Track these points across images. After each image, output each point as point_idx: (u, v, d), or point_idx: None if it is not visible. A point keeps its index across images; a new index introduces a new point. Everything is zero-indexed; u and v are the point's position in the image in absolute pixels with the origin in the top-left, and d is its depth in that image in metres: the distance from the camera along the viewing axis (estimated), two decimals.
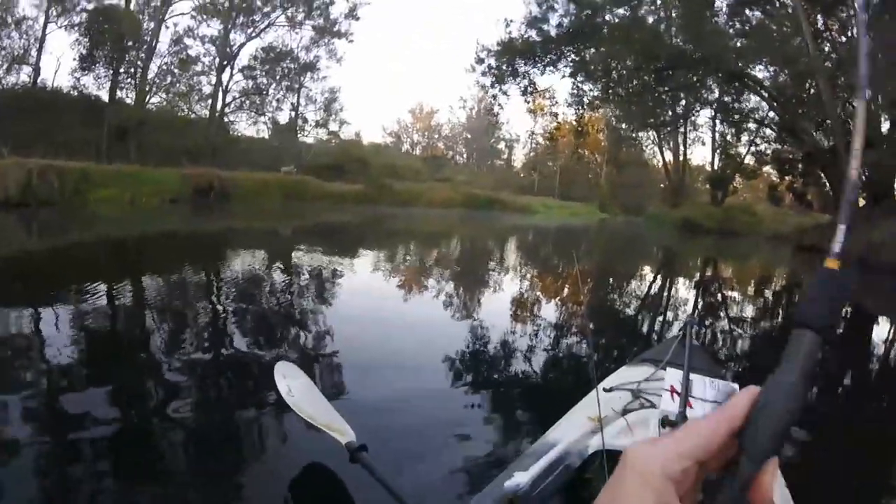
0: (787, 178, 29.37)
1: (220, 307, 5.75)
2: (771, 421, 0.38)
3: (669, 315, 8.02)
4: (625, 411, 1.91)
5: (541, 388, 4.15)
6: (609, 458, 1.53)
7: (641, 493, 0.34)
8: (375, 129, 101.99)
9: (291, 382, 2.60)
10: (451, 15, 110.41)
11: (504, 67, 26.00)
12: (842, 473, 3.03)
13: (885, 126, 23.01)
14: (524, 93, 26.46)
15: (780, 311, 9.48)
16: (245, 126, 38.56)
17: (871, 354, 6.66)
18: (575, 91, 26.94)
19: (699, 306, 9.16)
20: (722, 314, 8.62)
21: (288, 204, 25.19)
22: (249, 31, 35.17)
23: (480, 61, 26.14)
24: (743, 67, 22.26)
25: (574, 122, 29.58)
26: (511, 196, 43.54)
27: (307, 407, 2.39)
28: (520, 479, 1.52)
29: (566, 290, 9.11)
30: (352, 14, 36.05)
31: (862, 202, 22.15)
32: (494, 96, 27.11)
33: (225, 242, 12.26)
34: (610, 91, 26.34)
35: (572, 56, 25.68)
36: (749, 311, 9.19)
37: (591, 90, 26.86)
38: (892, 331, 8.63)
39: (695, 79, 24.18)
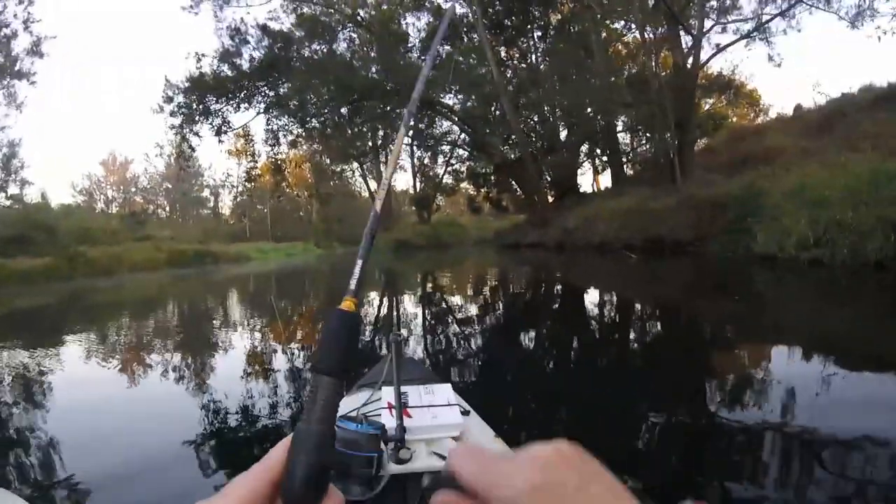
0: (482, 189, 32.67)
1: None
2: (300, 468, 0.40)
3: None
4: None
5: (266, 443, 3.73)
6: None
7: None
8: (63, 187, 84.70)
9: None
10: (143, 52, 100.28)
11: (194, 106, 24.14)
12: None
13: (563, 133, 27.07)
14: (218, 132, 24.82)
15: (490, 305, 10.48)
16: None
17: (585, 317, 7.93)
18: (270, 127, 26.25)
19: (414, 318, 9.54)
20: (438, 320, 9.06)
21: None
22: None
23: (169, 100, 23.93)
24: (435, 95, 24.04)
25: (273, 160, 28.57)
26: (222, 246, 40.97)
27: None
28: None
29: (286, 332, 8.80)
30: (35, 50, 28.76)
31: (551, 198, 25.90)
32: (185, 138, 24.94)
33: None
34: (306, 126, 26.22)
35: (266, 91, 25.14)
36: (463, 311, 9.74)
37: (286, 124, 26.38)
38: (597, 294, 10.53)
39: (388, 108, 25.37)
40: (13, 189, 34.63)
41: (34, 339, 9.79)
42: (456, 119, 26.45)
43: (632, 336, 6.76)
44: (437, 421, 1.90)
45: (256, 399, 4.75)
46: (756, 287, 9.79)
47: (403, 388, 1.95)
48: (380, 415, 1.92)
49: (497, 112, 25.71)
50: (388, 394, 1.98)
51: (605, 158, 28.88)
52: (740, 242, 12.30)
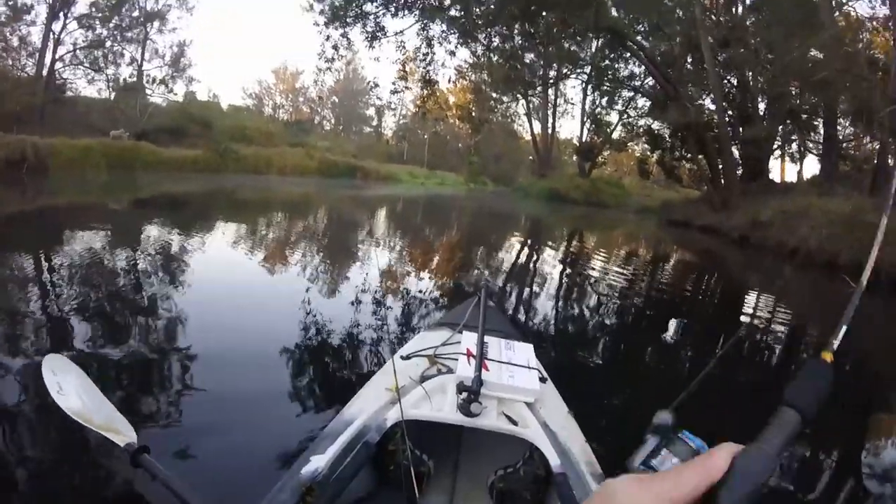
0: (657, 151, 28.21)
1: None
2: (749, 484, 0.40)
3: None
4: (422, 378, 1.88)
5: (344, 361, 4.03)
6: (409, 428, 1.53)
7: None
8: (235, 90, 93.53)
9: (62, 378, 2.24)
10: None
11: (343, 2, 20.99)
12: None
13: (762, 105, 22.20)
14: (371, 38, 21.66)
15: (631, 287, 8.93)
16: (84, 85, 31.67)
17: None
18: (426, 33, 22.40)
19: (531, 272, 9.52)
20: (558, 282, 8.66)
21: (116, 174, 21.10)
22: None
23: None
24: (625, 26, 20.15)
25: (425, 72, 24.67)
26: (375, 164, 40.82)
27: (81, 406, 2.09)
28: (317, 463, 1.48)
29: (390, 261, 8.77)
30: None
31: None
32: (329, 37, 21.66)
33: (27, 224, 9.84)
34: (468, 37, 22.72)
35: None
36: (595, 284, 8.77)
37: (444, 33, 22.71)
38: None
39: (572, 30, 21.61)
40: (180, 85, 36.70)
41: (169, 220, 10.72)
42: (645, 59, 21.99)
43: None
44: (513, 381, 1.79)
45: (359, 323, 4.83)
46: None
47: (485, 339, 1.94)
48: (456, 359, 1.89)
49: (690, 64, 21.31)
50: (468, 339, 1.97)
51: (811, 145, 23.39)
52: None
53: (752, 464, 0.41)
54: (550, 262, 10.92)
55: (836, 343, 0.52)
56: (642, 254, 14.72)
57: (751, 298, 9.04)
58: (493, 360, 1.85)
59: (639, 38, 22.05)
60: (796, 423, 0.45)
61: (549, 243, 14.63)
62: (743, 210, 16.02)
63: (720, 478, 0.39)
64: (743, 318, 7.19)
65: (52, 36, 28.12)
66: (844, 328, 0.53)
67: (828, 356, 0.50)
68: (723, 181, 20.16)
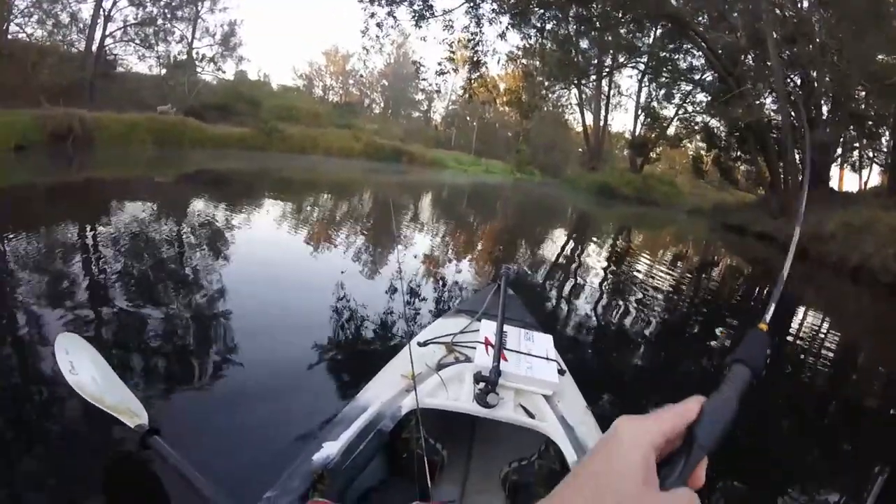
0: (713, 150, 26.90)
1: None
2: (717, 422, 0.49)
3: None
4: (439, 366, 1.88)
5: (362, 345, 3.96)
6: (423, 416, 1.52)
7: (632, 455, 0.44)
8: (287, 70, 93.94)
9: (75, 357, 2.27)
10: None
11: None
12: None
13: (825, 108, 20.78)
14: (417, 17, 20.20)
15: (668, 285, 8.77)
16: (135, 62, 31.90)
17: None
18: (474, 12, 20.89)
19: (567, 264, 9.47)
20: (594, 277, 8.43)
21: (162, 149, 21.20)
22: None
23: None
24: (687, 13, 19.03)
25: (473, 52, 23.28)
26: (421, 149, 40.19)
27: (93, 386, 2.13)
28: (330, 450, 1.46)
29: (413, 248, 8.60)
30: None
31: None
32: (373, 14, 20.26)
33: (64, 195, 10.02)
34: (519, 18, 21.66)
35: None
36: (632, 284, 8.46)
37: (493, 11, 21.37)
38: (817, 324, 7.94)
39: (630, 17, 20.57)
40: (230, 64, 36.69)
41: (206, 197, 11.06)
42: (707, 50, 20.76)
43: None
44: (531, 373, 1.77)
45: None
46: None
47: (504, 327, 1.92)
48: (474, 348, 1.89)
49: (752, 60, 19.98)
50: (486, 328, 1.96)
51: (874, 154, 21.67)
52: None
53: (717, 407, 0.50)
54: (587, 258, 10.69)
55: (768, 316, 0.62)
56: (688, 257, 13.98)
57: (798, 317, 8.32)
58: (511, 350, 1.85)
59: (700, 29, 20.88)
60: (747, 374, 0.54)
61: (591, 238, 14.26)
62: (803, 219, 14.93)
63: (694, 418, 0.49)
64: (788, 339, 6.56)
65: (102, 13, 28.27)
66: (774, 305, 0.64)
67: (763, 326, 0.60)
68: (783, 186, 18.97)
